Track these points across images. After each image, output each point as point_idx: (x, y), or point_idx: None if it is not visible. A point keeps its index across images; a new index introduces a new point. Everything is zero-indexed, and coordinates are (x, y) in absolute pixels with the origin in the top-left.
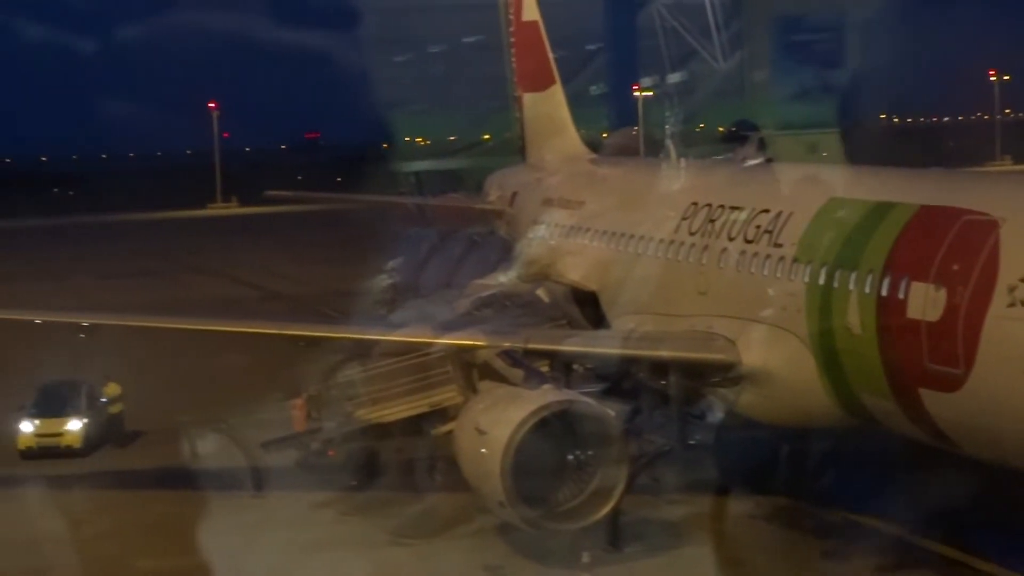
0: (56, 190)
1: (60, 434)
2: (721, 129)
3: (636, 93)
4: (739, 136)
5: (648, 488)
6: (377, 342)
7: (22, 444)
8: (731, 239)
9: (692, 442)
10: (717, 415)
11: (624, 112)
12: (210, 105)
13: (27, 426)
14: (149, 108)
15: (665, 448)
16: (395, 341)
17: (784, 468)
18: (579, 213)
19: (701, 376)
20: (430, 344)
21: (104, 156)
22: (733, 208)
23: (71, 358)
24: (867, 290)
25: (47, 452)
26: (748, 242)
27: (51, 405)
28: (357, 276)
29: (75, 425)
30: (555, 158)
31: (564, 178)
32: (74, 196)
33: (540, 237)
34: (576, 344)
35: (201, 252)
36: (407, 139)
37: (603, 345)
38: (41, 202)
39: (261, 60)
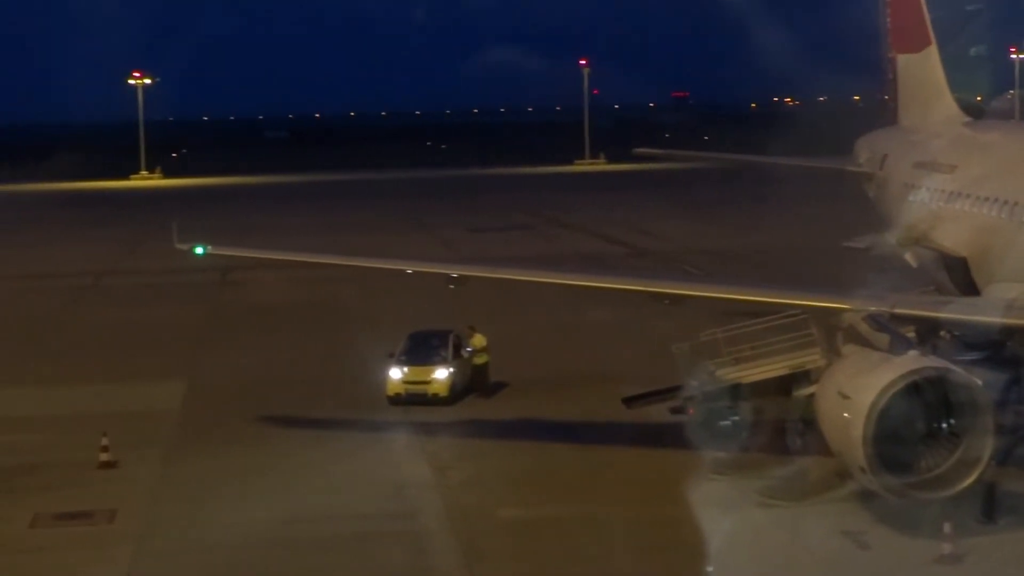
0: (429, 143)
1: (427, 382)
2: None
3: (1014, 55)
4: None
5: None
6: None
7: (391, 390)
8: None
9: None
10: None
11: (1001, 75)
12: (581, 62)
13: (396, 373)
14: (519, 64)
15: None
16: (759, 302)
17: None
18: (952, 178)
19: None
20: (795, 305)
21: (475, 110)
22: None
23: (440, 308)
24: None
25: (414, 399)
26: None
27: (419, 354)
28: (719, 235)
29: (442, 374)
30: (928, 121)
31: (938, 142)
32: (446, 149)
33: (910, 201)
34: (944, 310)
35: (569, 207)
36: (774, 99)
37: (974, 312)
38: (415, 154)
39: (630, 18)
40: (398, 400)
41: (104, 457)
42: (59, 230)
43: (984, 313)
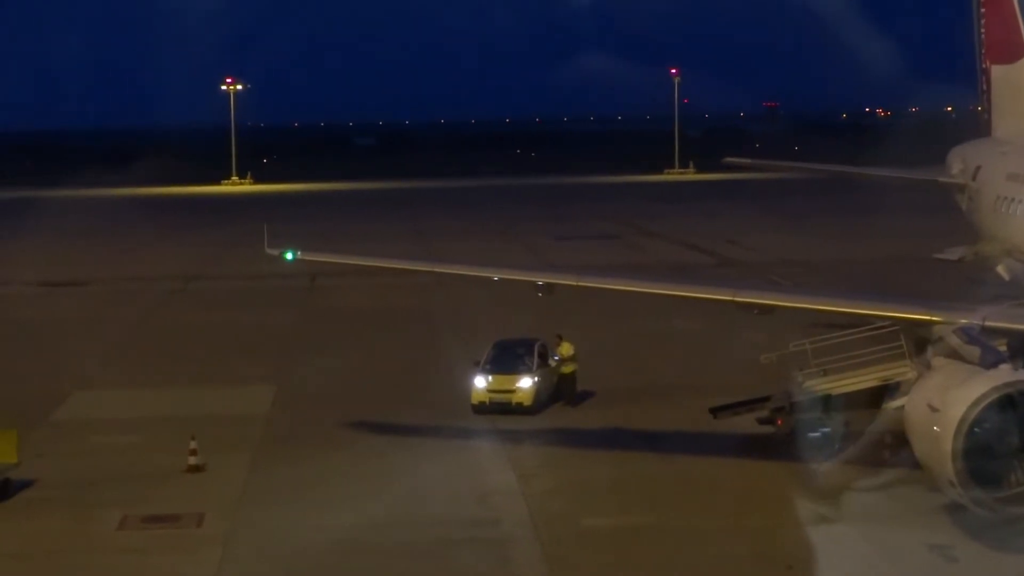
0: (518, 151)
1: (511, 391)
2: None
3: None
4: None
5: None
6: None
7: (475, 399)
8: None
9: None
10: None
11: None
12: (671, 71)
13: (480, 381)
14: (611, 72)
15: None
16: (849, 313)
17: None
18: None
19: None
20: (885, 317)
21: (565, 119)
22: None
23: (528, 316)
24: None
25: (498, 408)
26: None
27: (504, 362)
28: (813, 245)
29: (526, 383)
30: (1023, 133)
31: None
32: (536, 157)
33: (1003, 213)
34: None
35: (657, 216)
36: (866, 109)
37: None
38: (503, 162)
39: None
40: (482, 409)
41: (192, 460)
42: (151, 234)
43: None
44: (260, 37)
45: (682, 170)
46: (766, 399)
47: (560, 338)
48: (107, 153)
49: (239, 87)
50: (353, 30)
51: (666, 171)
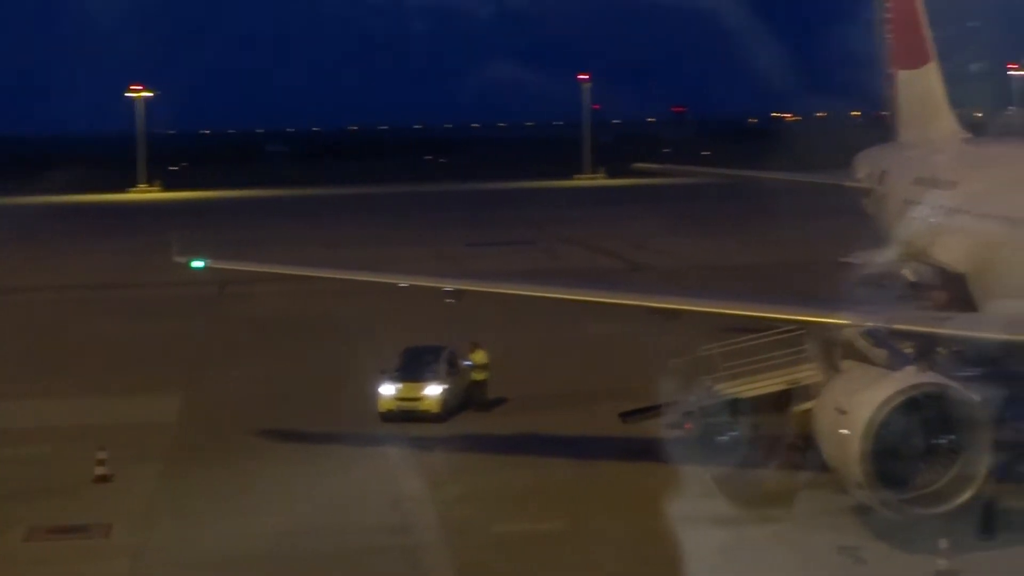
0: (428, 157)
1: (419, 398)
2: None
3: (1014, 72)
4: None
5: (1022, 478)
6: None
7: (383, 407)
8: None
9: None
10: None
11: (1000, 92)
12: (581, 77)
13: (388, 389)
14: (520, 78)
15: None
16: (757, 317)
17: None
18: (952, 194)
19: None
20: (793, 321)
21: (475, 125)
22: None
23: (441, 323)
24: None
25: (406, 416)
26: None
27: (413, 370)
28: (723, 249)
29: (434, 391)
30: (928, 137)
31: (938, 158)
32: (446, 163)
33: (909, 217)
34: (943, 326)
35: (569, 222)
36: (773, 114)
37: (973, 328)
38: (414, 169)
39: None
40: (390, 416)
41: (100, 471)
42: (57, 243)
43: (982, 329)
44: (168, 45)
45: (593, 176)
46: (675, 404)
47: (475, 345)
48: (12, 161)
49: (147, 94)
50: (262, 38)
51: (576, 177)
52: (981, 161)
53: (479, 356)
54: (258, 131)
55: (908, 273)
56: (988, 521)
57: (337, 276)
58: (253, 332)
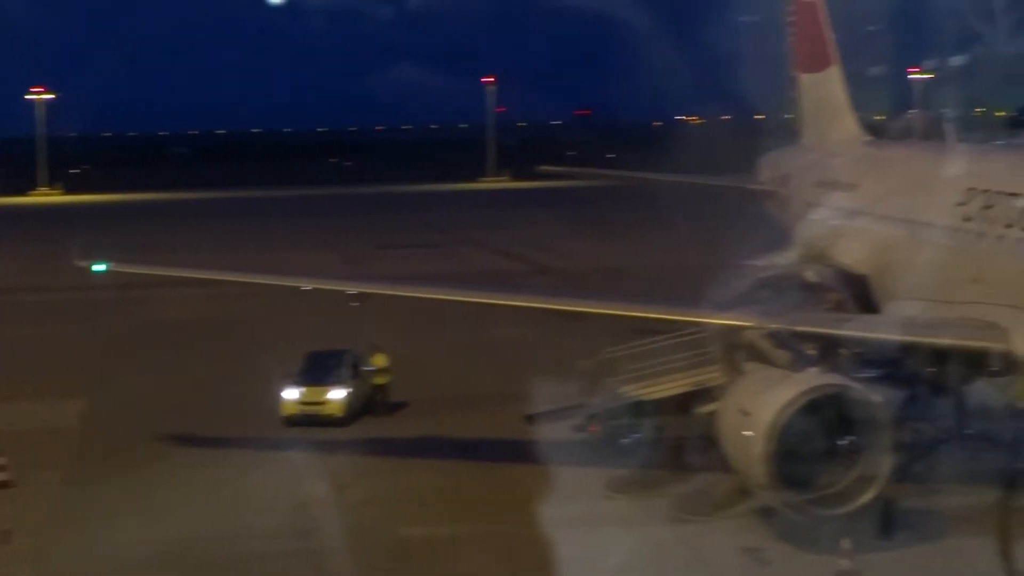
0: (333, 160)
1: (322, 402)
2: (1001, 114)
3: (915, 76)
4: (1021, 121)
5: (921, 478)
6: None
7: (286, 411)
8: (1008, 226)
9: (967, 432)
10: (991, 405)
11: (901, 95)
12: (485, 80)
13: (291, 394)
14: (424, 81)
15: (940, 438)
16: (661, 319)
17: None
18: (853, 196)
19: (975, 365)
20: (697, 323)
21: (379, 128)
22: (1012, 195)
23: (346, 327)
24: None
25: (310, 420)
26: None
27: (316, 374)
28: (627, 252)
29: (337, 395)
30: (830, 140)
31: (839, 161)
32: (351, 166)
33: (812, 219)
34: (845, 328)
35: (472, 225)
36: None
37: (873, 330)
38: (318, 172)
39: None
40: (294, 421)
41: (1, 477)
42: None
43: (883, 330)
44: (69, 47)
45: (498, 178)
46: (581, 406)
47: (375, 348)
48: None
49: (48, 97)
50: (164, 40)
51: (481, 179)
52: (881, 164)
53: (379, 360)
54: (161, 133)
55: (811, 275)
56: (887, 521)
57: (240, 279)
58: (156, 336)
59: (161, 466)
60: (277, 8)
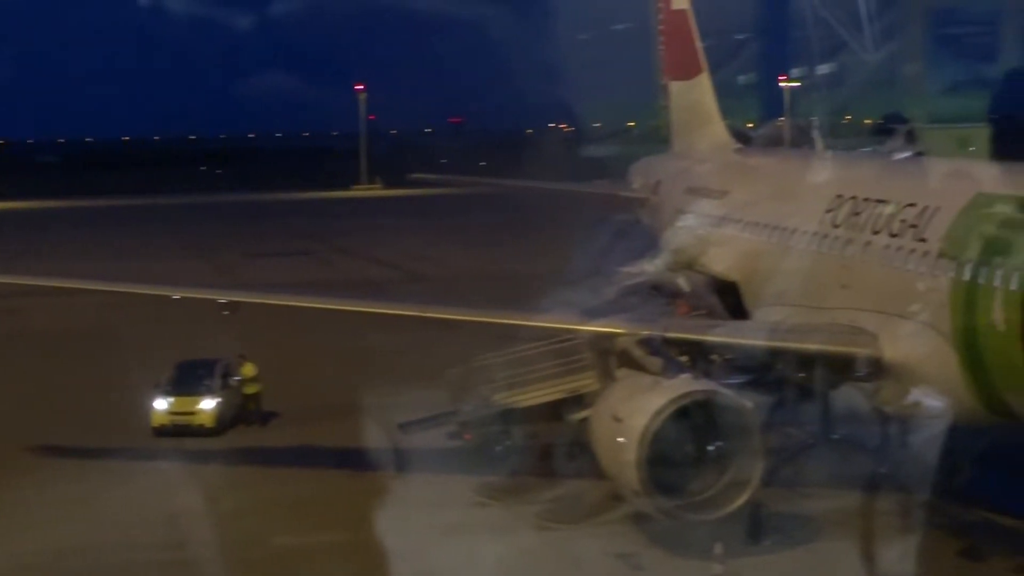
0: (204, 168)
1: (193, 413)
2: (868, 121)
3: (783, 84)
4: (888, 129)
5: (789, 482)
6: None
7: (156, 421)
8: (875, 233)
9: (834, 436)
10: (858, 409)
11: (771, 103)
12: (357, 87)
13: (161, 404)
14: (296, 88)
15: (807, 442)
16: (534, 327)
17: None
18: (722, 203)
19: (842, 370)
20: (569, 330)
21: (251, 135)
22: (878, 201)
23: (217, 336)
24: (1013, 287)
25: (180, 430)
26: (893, 236)
27: (186, 384)
28: (499, 259)
29: (208, 404)
30: (700, 147)
31: (709, 168)
32: (222, 174)
33: (682, 226)
34: (715, 334)
35: (345, 233)
36: (551, 125)
37: (743, 336)
38: (189, 180)
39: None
40: (164, 431)
41: None
42: None
43: (752, 336)
44: None
45: (370, 186)
46: (453, 413)
47: (243, 358)
48: None
49: None
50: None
51: (354, 187)
52: (750, 171)
53: (248, 369)
54: (28, 141)
55: (682, 282)
56: (754, 525)
57: (109, 289)
58: (22, 347)
59: (29, 477)
60: (149, 16)
